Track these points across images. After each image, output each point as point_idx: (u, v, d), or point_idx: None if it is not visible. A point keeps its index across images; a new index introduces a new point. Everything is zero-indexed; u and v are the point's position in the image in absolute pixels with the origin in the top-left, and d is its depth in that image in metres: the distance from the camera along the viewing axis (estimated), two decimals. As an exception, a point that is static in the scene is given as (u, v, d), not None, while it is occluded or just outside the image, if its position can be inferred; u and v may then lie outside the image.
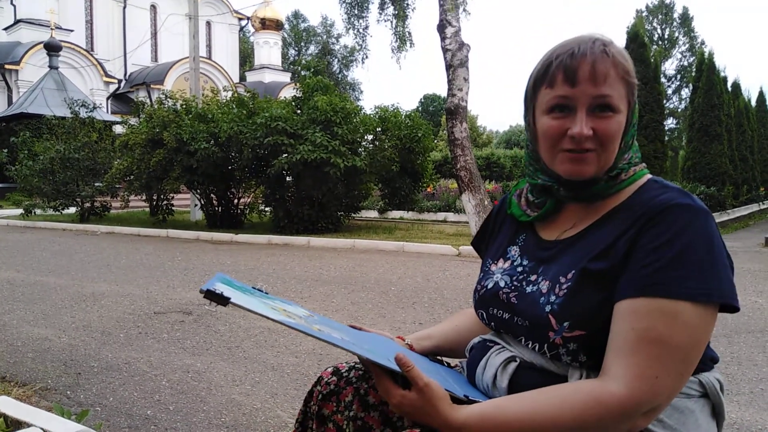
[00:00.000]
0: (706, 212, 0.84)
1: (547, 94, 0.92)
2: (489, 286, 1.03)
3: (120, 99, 28.06)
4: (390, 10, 14.46)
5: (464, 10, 12.61)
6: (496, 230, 1.13)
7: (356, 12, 15.63)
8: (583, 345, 0.86)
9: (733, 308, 0.83)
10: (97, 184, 12.85)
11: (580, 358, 0.87)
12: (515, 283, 0.99)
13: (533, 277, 0.97)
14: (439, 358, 1.14)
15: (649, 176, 0.96)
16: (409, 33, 14.66)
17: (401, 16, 14.40)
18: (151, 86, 27.06)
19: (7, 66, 23.58)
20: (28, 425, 1.93)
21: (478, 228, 1.20)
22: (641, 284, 0.82)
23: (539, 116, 0.94)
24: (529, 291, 0.95)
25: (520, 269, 1.01)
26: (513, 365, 0.93)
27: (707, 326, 0.82)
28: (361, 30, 16.04)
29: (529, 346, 0.93)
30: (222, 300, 0.80)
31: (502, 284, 1.01)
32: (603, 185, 0.93)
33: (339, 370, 1.12)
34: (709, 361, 0.93)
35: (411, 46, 14.66)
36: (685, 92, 36.99)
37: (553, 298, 0.90)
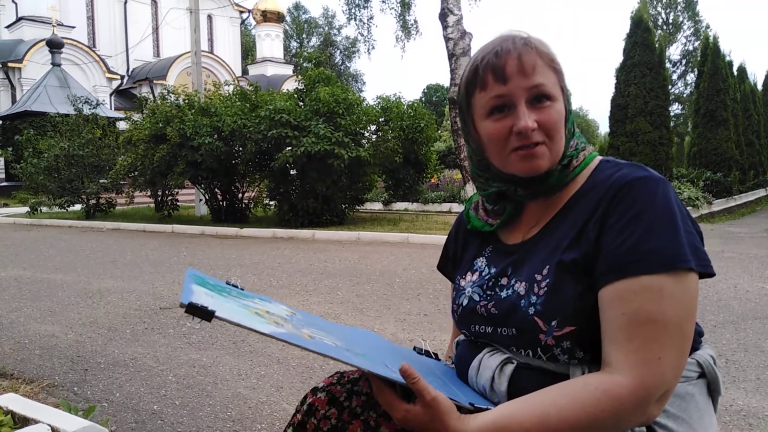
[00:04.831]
0: (665, 181, 0.84)
1: (482, 97, 0.91)
2: (464, 303, 1.00)
3: (123, 95, 28.08)
4: None
5: None
6: (459, 249, 1.11)
7: (357, 2, 15.55)
8: (577, 341, 0.83)
9: (710, 274, 0.82)
10: (101, 181, 12.90)
11: (577, 354, 0.84)
12: (488, 292, 0.96)
13: (504, 281, 0.95)
14: (427, 350, 1.06)
15: (600, 158, 0.96)
16: (415, 21, 14.62)
17: (406, 5, 14.33)
18: (154, 81, 27.07)
19: (10, 64, 23.63)
20: (36, 422, 1.94)
21: (441, 251, 1.18)
22: (619, 266, 0.80)
23: (480, 122, 0.93)
24: (504, 296, 0.93)
25: (488, 277, 0.98)
26: (510, 367, 0.89)
27: (693, 295, 0.80)
28: (365, 20, 15.96)
29: (522, 354, 0.89)
30: (206, 315, 0.74)
31: (476, 298, 0.98)
32: (558, 176, 0.92)
33: (335, 397, 0.99)
34: (697, 336, 0.91)
35: (419, 34, 14.61)
36: (691, 77, 36.51)
37: (534, 298, 0.87)
